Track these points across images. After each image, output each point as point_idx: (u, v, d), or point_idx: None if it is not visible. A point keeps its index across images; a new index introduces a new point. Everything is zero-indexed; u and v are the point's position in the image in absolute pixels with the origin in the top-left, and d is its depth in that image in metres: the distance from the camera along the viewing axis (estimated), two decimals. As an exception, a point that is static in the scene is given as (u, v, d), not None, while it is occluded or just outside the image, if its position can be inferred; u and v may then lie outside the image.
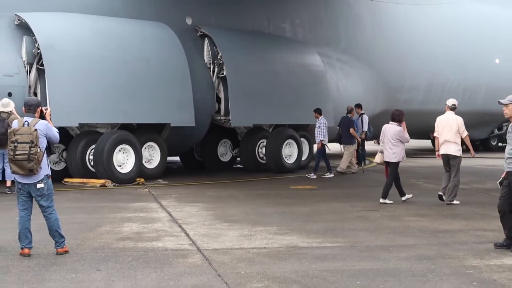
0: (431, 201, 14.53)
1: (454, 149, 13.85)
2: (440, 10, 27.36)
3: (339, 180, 19.74)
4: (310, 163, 22.55)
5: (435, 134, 14.76)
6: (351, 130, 21.60)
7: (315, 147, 20.43)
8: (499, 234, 9.49)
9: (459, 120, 13.87)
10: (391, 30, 25.70)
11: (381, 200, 14.42)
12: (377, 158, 15.32)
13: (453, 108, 14.28)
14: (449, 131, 13.88)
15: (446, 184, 14.06)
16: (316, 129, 19.79)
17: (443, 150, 14.01)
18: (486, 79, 27.87)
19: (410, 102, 25.30)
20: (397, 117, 14.69)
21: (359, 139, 22.69)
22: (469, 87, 27.62)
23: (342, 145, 22.32)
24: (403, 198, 14.69)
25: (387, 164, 14.85)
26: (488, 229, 10.44)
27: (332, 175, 19.92)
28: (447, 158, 14.07)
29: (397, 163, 14.57)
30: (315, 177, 19.40)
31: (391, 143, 14.54)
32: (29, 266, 8.25)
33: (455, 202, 14.01)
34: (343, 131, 21.83)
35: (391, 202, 14.39)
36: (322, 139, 19.68)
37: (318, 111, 19.91)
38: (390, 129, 14.61)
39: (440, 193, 14.22)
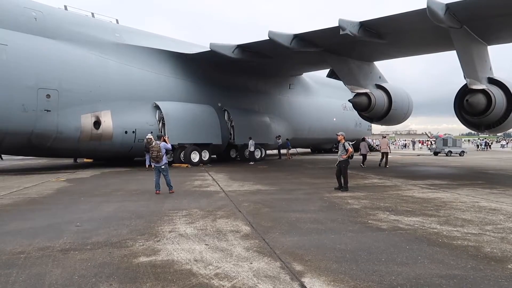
0: (311, 172, 14.42)
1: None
2: (311, 99, 26.31)
3: (277, 163, 19.51)
4: (265, 157, 22.43)
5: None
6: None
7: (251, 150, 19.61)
8: (336, 184, 9.53)
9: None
10: (296, 107, 24.92)
11: (381, 166, 15.45)
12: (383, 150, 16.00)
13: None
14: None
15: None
16: (249, 144, 18.88)
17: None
18: (330, 126, 27.04)
19: (302, 135, 25.19)
20: (386, 136, 16.90)
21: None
22: (324, 130, 26.53)
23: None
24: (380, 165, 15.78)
25: (383, 153, 15.89)
26: (331, 182, 10.48)
27: (253, 163, 18.34)
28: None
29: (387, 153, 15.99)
30: (253, 163, 18.48)
31: (385, 146, 16.01)
32: (158, 197, 8.20)
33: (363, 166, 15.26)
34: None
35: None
36: (251, 149, 18.84)
37: (250, 138, 19.03)
38: (384, 140, 16.36)
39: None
